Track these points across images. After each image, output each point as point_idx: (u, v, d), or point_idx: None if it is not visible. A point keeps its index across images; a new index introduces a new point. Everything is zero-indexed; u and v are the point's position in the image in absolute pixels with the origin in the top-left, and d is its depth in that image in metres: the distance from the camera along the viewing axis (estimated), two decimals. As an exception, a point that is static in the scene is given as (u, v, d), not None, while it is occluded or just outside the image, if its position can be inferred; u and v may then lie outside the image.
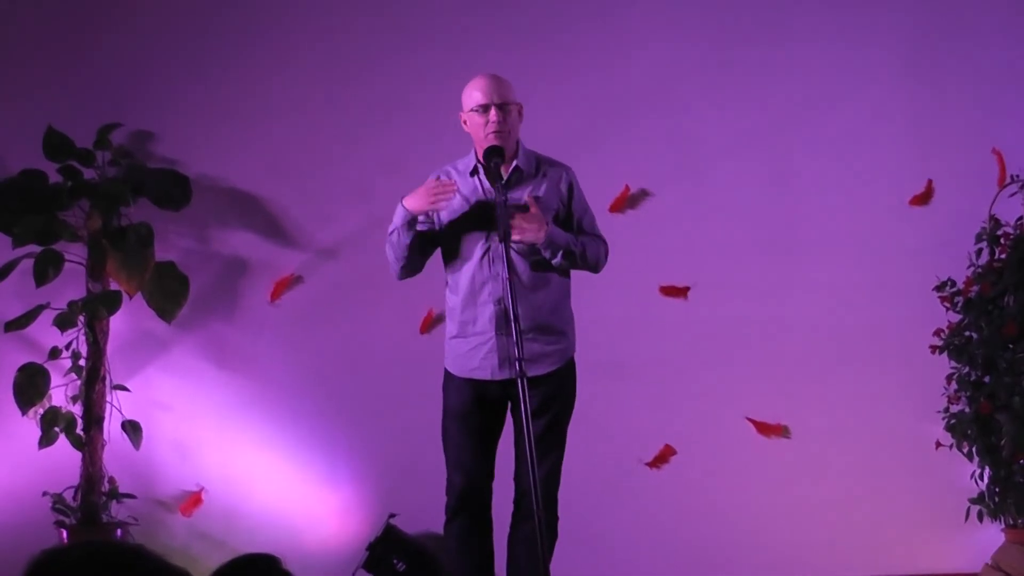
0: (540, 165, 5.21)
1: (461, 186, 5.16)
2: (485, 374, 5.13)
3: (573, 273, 5.24)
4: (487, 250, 5.10)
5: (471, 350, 5.15)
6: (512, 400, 5.14)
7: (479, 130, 5.10)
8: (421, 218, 5.13)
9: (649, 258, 6.85)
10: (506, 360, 5.08)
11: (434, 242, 5.19)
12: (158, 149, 6.96)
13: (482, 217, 5.11)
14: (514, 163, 5.14)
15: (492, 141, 5.07)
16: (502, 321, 5.07)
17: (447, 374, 5.25)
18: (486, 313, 5.10)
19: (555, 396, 5.13)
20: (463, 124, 5.17)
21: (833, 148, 6.92)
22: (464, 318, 5.16)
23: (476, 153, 5.18)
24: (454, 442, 5.18)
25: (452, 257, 5.18)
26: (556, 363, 5.15)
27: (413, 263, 5.16)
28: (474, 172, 5.17)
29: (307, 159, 6.95)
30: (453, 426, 5.19)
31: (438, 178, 5.11)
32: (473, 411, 5.16)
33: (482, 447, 5.16)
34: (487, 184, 5.13)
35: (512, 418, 5.19)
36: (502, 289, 5.05)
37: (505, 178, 5.11)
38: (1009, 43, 6.92)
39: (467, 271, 5.13)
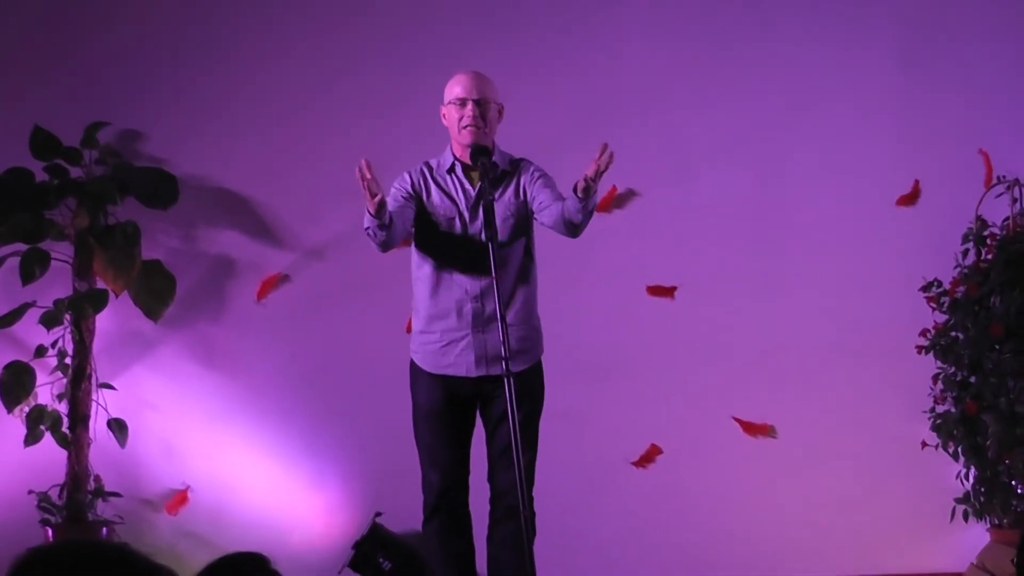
0: (511, 164, 5.21)
1: (440, 182, 5.14)
2: (460, 370, 5.12)
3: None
4: (464, 246, 5.09)
5: (444, 346, 5.13)
6: (482, 399, 5.14)
7: (454, 124, 5.11)
8: (403, 196, 5.09)
9: (636, 258, 6.85)
10: (483, 357, 5.08)
11: (413, 216, 5.13)
12: (145, 148, 6.95)
13: (460, 213, 5.11)
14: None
15: (466, 138, 5.06)
16: (479, 318, 5.07)
17: (416, 371, 5.22)
18: (462, 310, 5.10)
19: (526, 394, 5.09)
20: (442, 118, 5.18)
21: (820, 148, 6.92)
22: (437, 313, 5.14)
23: (452, 149, 5.16)
24: (428, 440, 5.17)
25: (426, 251, 5.15)
26: (528, 362, 5.15)
27: (392, 240, 5.01)
28: (451, 169, 5.16)
29: (294, 159, 6.94)
30: (426, 424, 5.17)
31: (364, 169, 4.84)
32: (445, 409, 5.15)
33: (457, 444, 5.16)
34: (466, 182, 5.13)
35: (482, 419, 5.19)
36: (480, 287, 5.05)
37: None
38: (996, 44, 6.93)
39: (442, 267, 5.12)
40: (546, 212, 5.08)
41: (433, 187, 5.15)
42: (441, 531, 5.17)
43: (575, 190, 4.88)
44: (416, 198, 5.13)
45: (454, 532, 5.18)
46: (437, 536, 5.18)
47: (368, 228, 4.94)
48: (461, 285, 5.10)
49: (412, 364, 5.25)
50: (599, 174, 4.83)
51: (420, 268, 5.18)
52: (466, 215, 5.11)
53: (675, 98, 6.95)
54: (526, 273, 5.17)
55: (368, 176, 4.78)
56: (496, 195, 5.09)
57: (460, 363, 5.12)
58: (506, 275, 5.08)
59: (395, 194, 5.14)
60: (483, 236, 4.97)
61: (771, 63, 6.94)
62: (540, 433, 5.21)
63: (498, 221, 5.02)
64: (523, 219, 5.16)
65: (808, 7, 6.97)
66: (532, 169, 5.19)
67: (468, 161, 5.13)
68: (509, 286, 5.10)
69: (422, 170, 5.18)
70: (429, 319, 5.17)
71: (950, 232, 6.65)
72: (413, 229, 5.18)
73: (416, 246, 5.18)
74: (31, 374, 6.63)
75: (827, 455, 6.79)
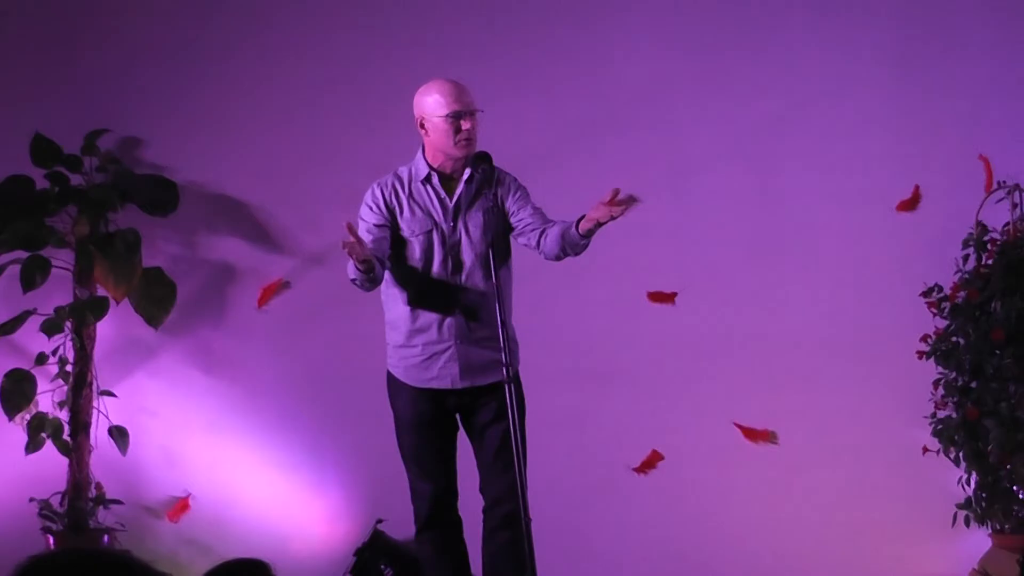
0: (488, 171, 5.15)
1: (414, 194, 5.07)
2: (445, 383, 5.07)
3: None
4: (445, 257, 5.04)
5: (426, 360, 5.08)
6: (465, 411, 5.12)
7: (446, 137, 5.00)
8: (376, 225, 5.04)
9: (637, 264, 6.85)
10: (467, 369, 5.05)
11: (392, 245, 5.08)
12: (146, 155, 6.96)
13: (438, 224, 5.05)
14: (470, 170, 5.06)
15: (462, 150, 5.00)
16: (463, 329, 5.04)
17: (396, 383, 5.17)
18: (445, 321, 5.05)
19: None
20: (419, 127, 5.07)
21: (820, 154, 6.93)
22: (419, 328, 5.08)
23: (426, 158, 5.08)
24: (416, 452, 5.13)
25: (404, 265, 5.07)
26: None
27: (378, 280, 5.00)
28: (427, 179, 5.07)
29: (294, 165, 6.95)
30: (411, 437, 5.14)
31: (349, 229, 4.81)
32: (430, 419, 5.11)
33: (444, 454, 5.13)
34: (442, 192, 5.07)
35: (466, 430, 5.17)
36: (462, 299, 5.01)
37: (461, 186, 5.06)
38: (996, 50, 6.93)
39: (423, 279, 5.05)
40: (532, 235, 5.03)
41: (406, 202, 5.07)
42: (436, 541, 5.15)
43: (576, 226, 4.86)
44: (391, 218, 5.06)
45: (449, 541, 5.16)
46: (432, 545, 5.16)
47: (355, 279, 4.92)
48: (443, 299, 5.03)
49: (390, 376, 5.20)
50: (612, 219, 4.82)
51: (399, 284, 5.10)
52: (444, 226, 5.05)
53: (675, 105, 6.95)
54: (506, 285, 5.14)
55: (352, 240, 4.73)
56: (480, 205, 5.05)
57: (444, 376, 5.07)
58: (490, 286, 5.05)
59: (369, 222, 5.05)
60: (462, 246, 4.98)
61: (770, 68, 6.95)
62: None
63: (480, 232, 5.01)
64: (501, 231, 5.09)
65: (806, 15, 6.97)
66: (509, 182, 5.11)
67: (447, 171, 5.07)
68: (500, 298, 5.07)
69: (393, 184, 5.09)
70: (410, 333, 5.09)
71: (950, 237, 6.65)
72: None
73: (394, 264, 5.08)
74: (32, 382, 6.64)
75: (828, 461, 6.79)
